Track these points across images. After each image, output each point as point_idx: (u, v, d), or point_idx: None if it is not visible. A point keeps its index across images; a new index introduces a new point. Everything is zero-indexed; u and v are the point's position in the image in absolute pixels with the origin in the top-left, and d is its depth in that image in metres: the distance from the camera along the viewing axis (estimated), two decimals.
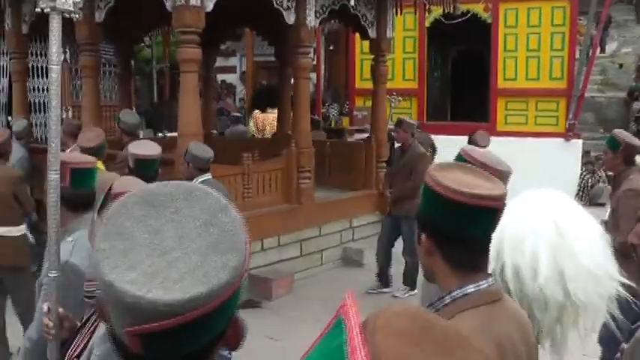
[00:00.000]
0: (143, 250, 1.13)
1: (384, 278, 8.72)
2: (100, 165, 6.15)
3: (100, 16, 8.54)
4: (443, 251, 1.95)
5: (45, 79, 17.10)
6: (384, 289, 8.64)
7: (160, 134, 15.93)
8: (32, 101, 14.82)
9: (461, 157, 2.83)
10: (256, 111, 16.59)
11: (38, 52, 16.31)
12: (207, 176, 6.27)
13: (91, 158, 3.50)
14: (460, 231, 1.91)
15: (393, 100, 13.64)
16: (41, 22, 6.59)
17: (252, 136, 15.34)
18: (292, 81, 10.26)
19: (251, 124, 16.15)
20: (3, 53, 16.59)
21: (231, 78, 21.80)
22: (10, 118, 12.32)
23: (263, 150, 9.75)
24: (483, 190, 1.87)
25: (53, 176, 2.63)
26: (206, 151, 6.33)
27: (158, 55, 21.20)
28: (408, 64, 15.68)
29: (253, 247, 8.08)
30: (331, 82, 19.38)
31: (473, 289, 1.93)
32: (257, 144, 11.77)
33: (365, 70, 14.20)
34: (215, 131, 13.63)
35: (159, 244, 1.14)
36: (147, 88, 21.20)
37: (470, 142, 8.24)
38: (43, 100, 16.86)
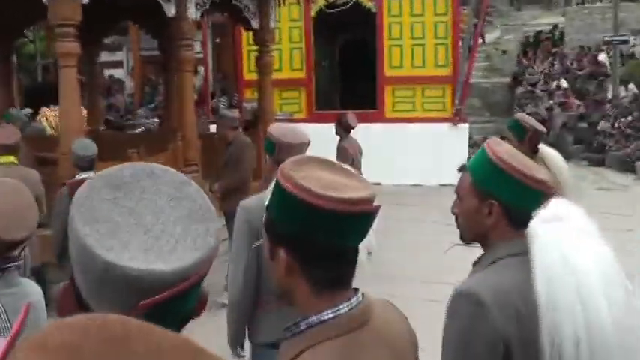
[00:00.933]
0: (128, 230, 1.19)
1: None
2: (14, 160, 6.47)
3: None
4: (305, 268, 1.59)
5: None
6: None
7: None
8: None
9: (484, 155, 2.26)
10: (44, 108, 15.38)
11: None
12: (89, 174, 6.12)
13: None
14: (327, 244, 1.55)
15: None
16: None
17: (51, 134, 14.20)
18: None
19: (44, 122, 14.84)
20: None
21: (119, 73, 21.41)
22: None
23: (148, 145, 9.61)
24: (353, 192, 1.52)
25: None
26: (87, 149, 6.17)
27: (43, 50, 20.61)
28: (295, 54, 15.72)
29: None
30: (220, 74, 19.28)
31: (331, 315, 1.59)
32: (142, 139, 11.60)
33: (252, 62, 14.18)
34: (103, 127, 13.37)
35: (138, 222, 1.21)
36: (32, 84, 20.57)
37: (340, 124, 8.24)
38: None
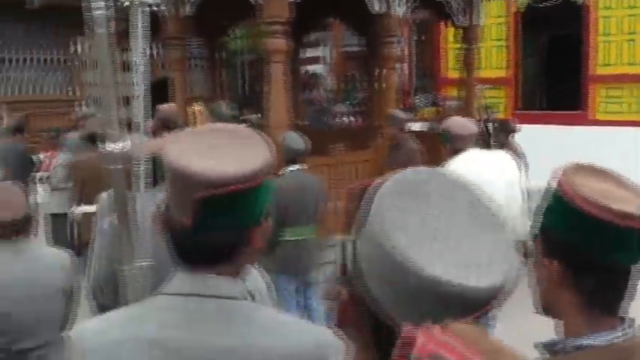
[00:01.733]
0: (436, 241, 1.16)
1: None
2: None
3: (186, 11, 8.59)
4: (577, 282, 1.51)
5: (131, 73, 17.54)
6: None
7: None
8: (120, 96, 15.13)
9: None
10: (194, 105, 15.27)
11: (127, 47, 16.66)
12: (298, 167, 6.20)
13: None
14: (602, 257, 1.47)
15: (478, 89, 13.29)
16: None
17: None
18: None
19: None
20: None
21: (319, 69, 21.73)
22: None
23: (350, 141, 9.65)
24: (633, 206, 1.44)
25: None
26: (298, 142, 6.28)
27: (246, 46, 21.32)
28: (498, 51, 15.25)
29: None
30: (420, 72, 19.10)
31: (603, 340, 1.49)
32: (343, 135, 11.67)
33: (453, 59, 13.88)
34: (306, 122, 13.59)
35: (443, 232, 1.17)
36: (235, 80, 21.34)
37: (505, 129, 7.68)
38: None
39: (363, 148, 9.34)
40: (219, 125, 1.61)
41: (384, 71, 9.47)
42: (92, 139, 7.73)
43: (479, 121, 9.75)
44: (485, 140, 9.54)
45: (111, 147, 1.87)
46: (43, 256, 3.83)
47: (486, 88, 13.80)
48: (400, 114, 8.46)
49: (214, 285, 1.47)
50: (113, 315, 1.61)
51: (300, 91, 14.89)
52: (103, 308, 3.75)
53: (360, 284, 1.19)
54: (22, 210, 3.59)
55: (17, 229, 3.62)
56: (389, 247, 1.13)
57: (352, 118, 16.05)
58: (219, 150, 1.44)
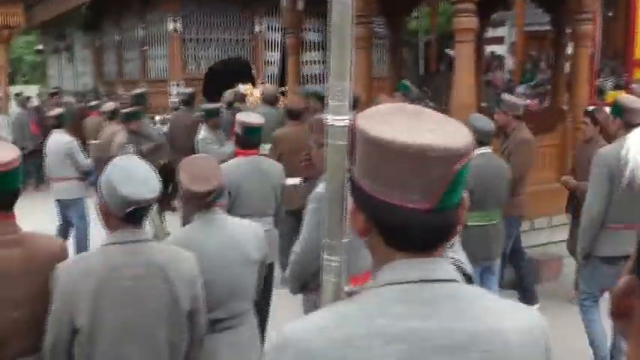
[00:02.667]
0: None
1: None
2: None
3: None
4: None
5: (317, 52, 17.90)
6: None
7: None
8: (303, 73, 15.54)
9: None
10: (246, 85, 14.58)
11: (311, 28, 17.04)
12: (486, 149, 6.06)
13: None
14: None
15: None
16: None
17: None
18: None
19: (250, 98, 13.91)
20: (276, 29, 17.59)
21: (500, 49, 21.20)
22: (283, 88, 12.94)
23: (534, 123, 9.32)
24: None
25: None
26: (487, 123, 6.13)
27: (425, 26, 21.19)
28: None
29: (524, 226, 7.80)
30: (607, 52, 18.14)
31: None
32: (526, 117, 11.30)
33: None
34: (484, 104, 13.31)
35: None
36: (413, 60, 21.27)
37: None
38: (314, 72, 17.65)
39: (547, 131, 8.98)
40: (404, 105, 1.50)
41: (576, 50, 9.04)
42: (292, 115, 8.12)
43: None
44: None
45: (336, 120, 1.74)
46: (238, 226, 3.90)
47: None
48: (513, 99, 7.73)
49: (440, 268, 1.42)
50: (331, 310, 1.49)
51: (482, 73, 14.58)
52: (303, 284, 3.78)
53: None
54: (219, 181, 3.70)
55: (214, 199, 3.73)
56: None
57: (533, 101, 15.57)
58: (426, 126, 1.38)
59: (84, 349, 2.87)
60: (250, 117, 6.04)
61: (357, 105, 8.89)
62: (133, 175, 2.94)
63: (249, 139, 5.80)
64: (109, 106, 10.70)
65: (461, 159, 1.33)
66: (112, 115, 10.14)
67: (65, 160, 8.72)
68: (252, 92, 13.70)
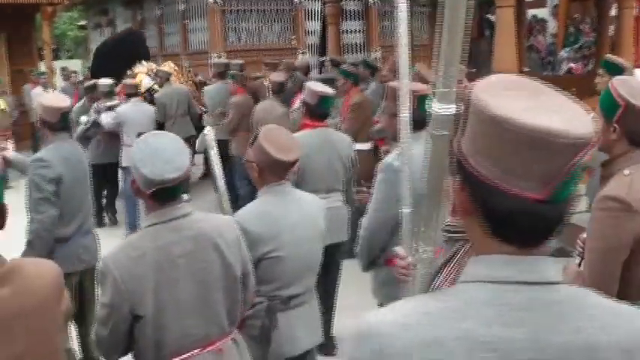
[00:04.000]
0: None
1: None
2: None
3: None
4: None
5: (357, 21, 17.81)
6: None
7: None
8: (344, 43, 15.49)
9: None
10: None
11: None
12: None
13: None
14: None
15: None
16: None
17: None
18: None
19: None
20: None
21: (542, 13, 20.85)
22: (324, 58, 12.92)
23: (577, 88, 9.20)
24: None
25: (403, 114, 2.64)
26: None
27: None
28: None
29: None
30: None
31: None
32: (569, 82, 11.17)
33: None
34: (527, 69, 13.18)
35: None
36: None
37: None
38: (355, 42, 17.58)
39: (592, 95, 8.86)
40: (524, 80, 1.35)
41: (620, 11, 8.91)
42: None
43: None
44: None
45: (442, 109, 1.63)
46: (306, 199, 3.85)
47: None
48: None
49: (543, 269, 1.27)
50: (412, 307, 1.34)
51: (524, 37, 14.42)
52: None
53: None
54: (297, 152, 3.65)
55: (291, 170, 3.69)
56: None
57: (577, 64, 15.35)
58: (550, 107, 1.24)
59: (149, 331, 2.87)
60: (323, 87, 5.69)
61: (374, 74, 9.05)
62: (158, 153, 2.82)
63: (321, 110, 5.55)
64: None
65: (584, 148, 1.20)
66: None
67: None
68: (142, 79, 12.26)
